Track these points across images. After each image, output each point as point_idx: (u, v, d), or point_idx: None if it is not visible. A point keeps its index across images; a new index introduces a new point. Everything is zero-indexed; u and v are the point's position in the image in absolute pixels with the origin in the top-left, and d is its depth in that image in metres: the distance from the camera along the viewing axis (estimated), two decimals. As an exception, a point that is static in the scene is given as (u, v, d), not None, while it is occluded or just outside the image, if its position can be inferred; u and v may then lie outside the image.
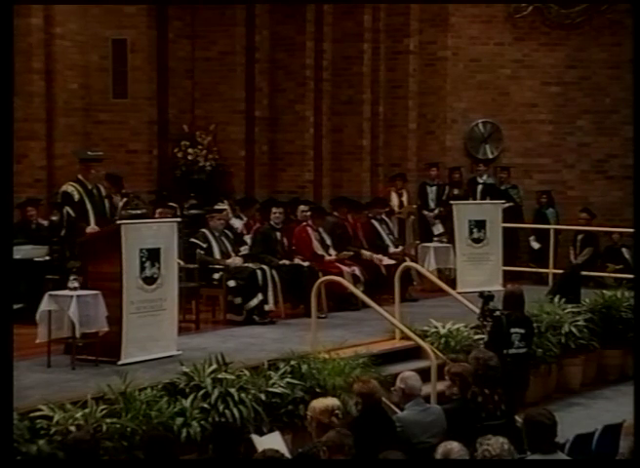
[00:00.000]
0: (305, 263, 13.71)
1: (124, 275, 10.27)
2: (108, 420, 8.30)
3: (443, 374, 9.36)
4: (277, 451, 6.73)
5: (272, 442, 8.22)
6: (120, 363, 10.14)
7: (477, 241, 16.15)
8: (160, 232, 10.76)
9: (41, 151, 15.47)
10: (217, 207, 14.24)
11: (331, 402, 7.79)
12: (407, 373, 8.57)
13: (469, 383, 8.67)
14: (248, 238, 14.32)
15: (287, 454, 7.91)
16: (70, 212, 11.53)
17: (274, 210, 14.11)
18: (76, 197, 11.58)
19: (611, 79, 18.97)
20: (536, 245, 18.01)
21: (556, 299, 13.66)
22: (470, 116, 19.09)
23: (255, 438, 8.44)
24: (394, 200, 17.39)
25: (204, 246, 13.24)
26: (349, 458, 6.90)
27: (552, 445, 6.86)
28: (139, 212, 12.37)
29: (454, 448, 6.53)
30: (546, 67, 19.07)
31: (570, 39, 19.01)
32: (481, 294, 10.74)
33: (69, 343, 10.20)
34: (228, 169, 17.21)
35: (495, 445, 6.47)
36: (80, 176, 11.84)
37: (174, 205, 14.26)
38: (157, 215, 13.01)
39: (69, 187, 11.67)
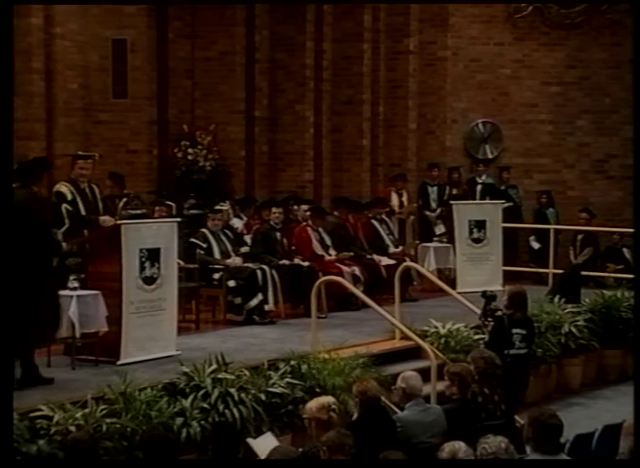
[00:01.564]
0: (305, 263, 13.72)
1: (124, 275, 10.28)
2: (108, 420, 8.30)
3: (443, 374, 9.36)
4: (294, 451, 6.76)
5: (267, 443, 8.22)
6: (119, 363, 10.14)
7: (477, 241, 16.16)
8: (160, 232, 10.76)
9: (41, 151, 15.44)
10: (217, 207, 14.25)
11: (325, 399, 7.82)
12: (408, 373, 8.57)
13: (468, 383, 8.67)
14: (248, 238, 14.32)
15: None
16: (68, 207, 11.43)
17: (274, 210, 14.12)
18: (69, 197, 11.51)
19: (611, 79, 18.97)
20: (536, 245, 18.02)
21: (556, 299, 13.66)
22: (470, 116, 19.09)
23: (250, 441, 8.44)
24: (394, 200, 17.39)
25: (204, 246, 13.24)
26: (349, 458, 6.90)
27: (557, 446, 6.87)
28: (138, 212, 12.36)
29: (461, 447, 6.53)
30: (546, 67, 19.07)
31: (570, 39, 19.01)
32: (483, 294, 10.72)
33: (69, 343, 10.20)
34: (228, 169, 17.19)
35: (492, 443, 6.48)
36: (72, 175, 11.77)
37: (170, 203, 14.26)
38: (155, 214, 13.02)
39: (62, 187, 11.52)
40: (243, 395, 9.23)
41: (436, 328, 12.00)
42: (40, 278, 9.48)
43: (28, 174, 9.93)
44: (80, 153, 12.23)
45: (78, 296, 9.96)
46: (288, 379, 9.76)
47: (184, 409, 8.87)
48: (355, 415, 8.32)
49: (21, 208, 9.39)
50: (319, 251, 14.26)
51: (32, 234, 9.45)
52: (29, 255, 9.35)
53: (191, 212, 15.37)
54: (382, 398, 9.14)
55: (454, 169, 18.57)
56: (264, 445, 8.08)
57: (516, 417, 9.28)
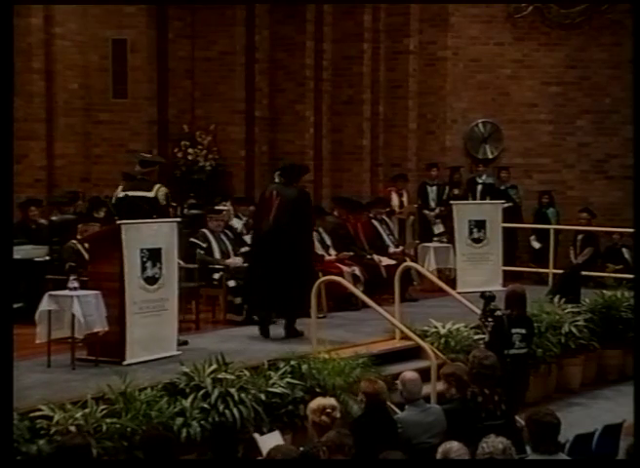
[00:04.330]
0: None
1: (125, 275, 10.26)
2: (108, 420, 8.30)
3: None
4: (295, 450, 6.76)
5: (273, 441, 8.24)
6: (125, 363, 10.13)
7: (477, 241, 16.15)
8: (160, 232, 10.75)
9: (41, 151, 15.49)
10: (218, 207, 14.23)
11: (325, 401, 7.81)
12: (407, 376, 8.52)
13: (465, 382, 8.66)
14: (248, 238, 14.31)
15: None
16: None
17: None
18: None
19: (611, 79, 18.97)
20: (536, 244, 18.01)
21: (556, 299, 13.65)
22: (470, 116, 19.09)
23: (257, 437, 8.46)
24: (394, 200, 17.39)
25: (204, 246, 13.24)
26: (349, 458, 6.90)
27: (556, 445, 6.88)
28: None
29: (453, 447, 6.54)
30: (546, 67, 19.07)
31: (570, 39, 19.01)
32: (482, 295, 10.73)
33: (70, 343, 10.19)
34: (228, 169, 17.21)
35: (490, 443, 6.49)
36: (153, 179, 11.67)
37: (173, 204, 14.24)
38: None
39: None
40: (243, 395, 9.22)
41: (436, 328, 11.99)
42: (308, 259, 12.02)
43: (292, 175, 12.18)
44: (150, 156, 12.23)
45: (80, 296, 9.96)
46: (288, 379, 9.75)
47: (184, 409, 8.86)
48: (359, 413, 8.32)
49: (292, 202, 11.81)
50: (319, 251, 14.25)
51: (302, 223, 11.90)
52: (301, 241, 11.84)
53: (191, 212, 15.36)
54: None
55: (455, 169, 18.58)
56: (270, 443, 8.10)
57: (517, 418, 9.28)
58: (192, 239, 13.36)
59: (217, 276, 12.98)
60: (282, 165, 12.65)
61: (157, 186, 11.21)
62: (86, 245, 11.75)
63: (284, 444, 7.05)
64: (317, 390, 9.70)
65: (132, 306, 10.32)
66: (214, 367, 9.46)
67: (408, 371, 8.78)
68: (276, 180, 12.29)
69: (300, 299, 11.51)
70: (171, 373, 9.57)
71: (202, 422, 8.79)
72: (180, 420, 8.72)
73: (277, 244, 11.70)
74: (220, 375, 9.33)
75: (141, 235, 10.53)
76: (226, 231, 13.74)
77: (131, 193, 11.20)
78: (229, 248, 13.44)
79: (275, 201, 11.87)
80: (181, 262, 12.14)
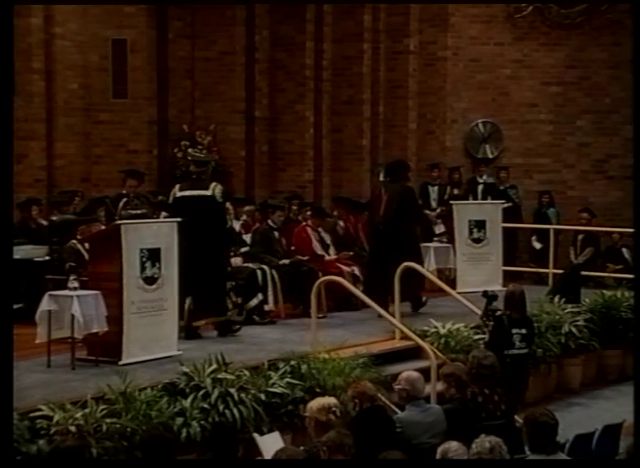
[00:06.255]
0: (305, 258, 13.74)
1: (124, 275, 10.27)
2: (108, 420, 8.30)
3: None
4: (301, 452, 6.76)
5: (273, 441, 8.24)
6: (121, 363, 10.13)
7: (477, 241, 16.14)
8: (160, 232, 10.76)
9: (41, 151, 15.49)
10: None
11: (328, 400, 7.82)
12: (413, 375, 8.51)
13: (465, 382, 8.66)
14: (247, 238, 14.30)
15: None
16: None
17: (279, 213, 14.09)
18: None
19: (611, 79, 18.98)
20: (537, 245, 18.02)
21: (556, 299, 13.65)
22: (470, 116, 19.10)
23: (256, 437, 8.46)
24: (394, 200, 17.38)
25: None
26: (349, 458, 6.90)
27: (554, 445, 6.88)
28: (139, 212, 12.38)
29: (452, 446, 6.54)
30: (546, 67, 19.08)
31: (570, 39, 19.02)
32: (484, 294, 10.73)
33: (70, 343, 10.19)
34: (228, 169, 17.20)
35: (479, 443, 6.50)
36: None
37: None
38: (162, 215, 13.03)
39: None
40: (243, 395, 9.22)
41: (436, 328, 11.99)
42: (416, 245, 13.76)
43: (396, 172, 13.72)
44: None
45: (80, 296, 9.95)
46: (288, 379, 9.76)
47: (184, 409, 8.86)
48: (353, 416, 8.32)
49: (398, 196, 13.26)
50: (319, 251, 14.25)
51: (409, 214, 13.40)
52: (408, 230, 13.46)
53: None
54: (383, 398, 9.16)
55: (454, 169, 18.59)
56: (270, 443, 8.10)
57: (516, 417, 9.28)
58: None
59: (217, 276, 12.96)
60: (386, 164, 14.38)
61: (213, 184, 11.70)
62: (86, 245, 11.79)
63: (291, 446, 7.04)
64: (317, 390, 9.70)
65: (130, 306, 10.33)
66: (214, 367, 9.46)
67: (410, 371, 8.76)
68: (381, 179, 13.99)
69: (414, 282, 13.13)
70: (171, 373, 9.57)
71: (202, 422, 8.79)
72: (180, 420, 8.72)
73: (389, 235, 13.18)
74: (220, 375, 9.34)
75: (141, 235, 10.53)
76: (226, 231, 13.72)
77: (188, 193, 11.63)
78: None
79: (384, 197, 13.37)
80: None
